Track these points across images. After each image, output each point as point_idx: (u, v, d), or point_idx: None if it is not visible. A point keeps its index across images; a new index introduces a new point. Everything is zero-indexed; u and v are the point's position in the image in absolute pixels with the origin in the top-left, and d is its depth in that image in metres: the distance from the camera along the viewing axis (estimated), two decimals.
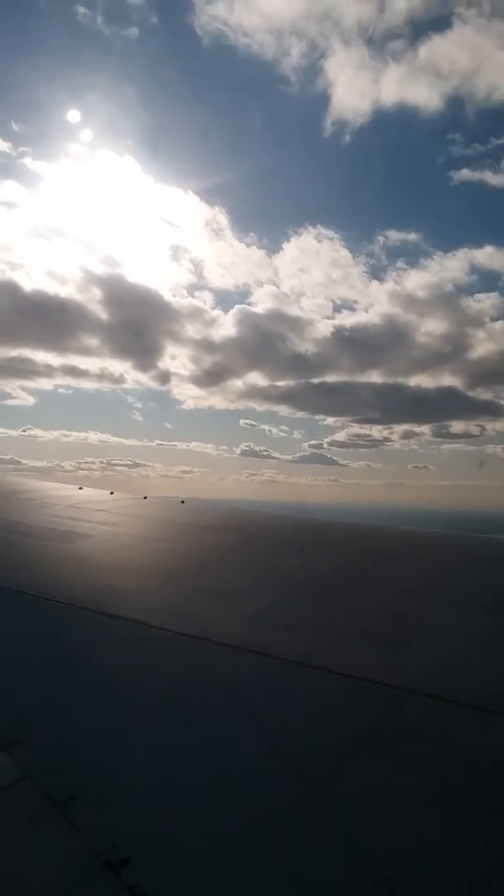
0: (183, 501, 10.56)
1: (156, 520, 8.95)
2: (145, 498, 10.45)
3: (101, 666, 3.42)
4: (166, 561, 6.36)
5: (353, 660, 3.55)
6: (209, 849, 1.99)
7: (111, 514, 8.94)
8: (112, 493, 11.03)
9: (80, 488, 11.66)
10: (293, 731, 2.76)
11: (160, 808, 2.17)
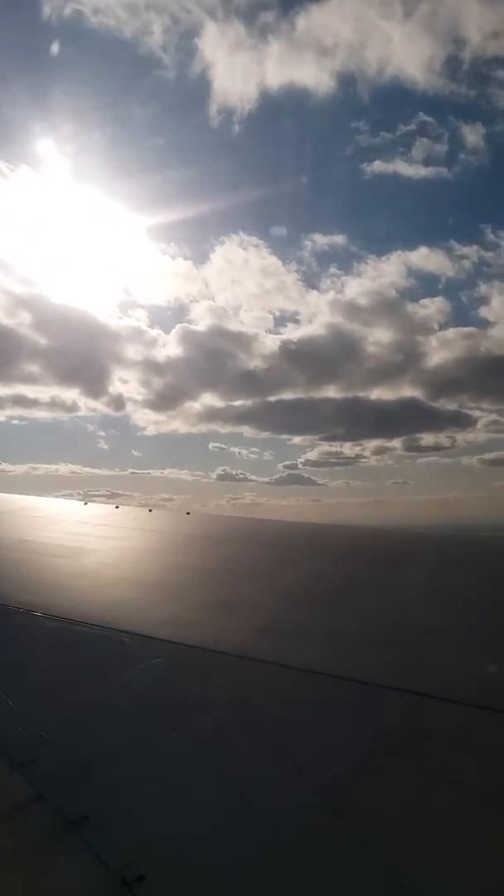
0: (188, 513, 10.60)
1: (164, 532, 8.95)
2: (150, 511, 10.54)
3: (111, 682, 3.42)
4: (177, 573, 6.36)
5: (365, 665, 3.53)
6: (224, 864, 1.97)
7: (119, 529, 8.95)
8: (117, 507, 11.07)
9: (85, 503, 11.70)
10: (306, 740, 2.74)
11: (174, 825, 2.16)
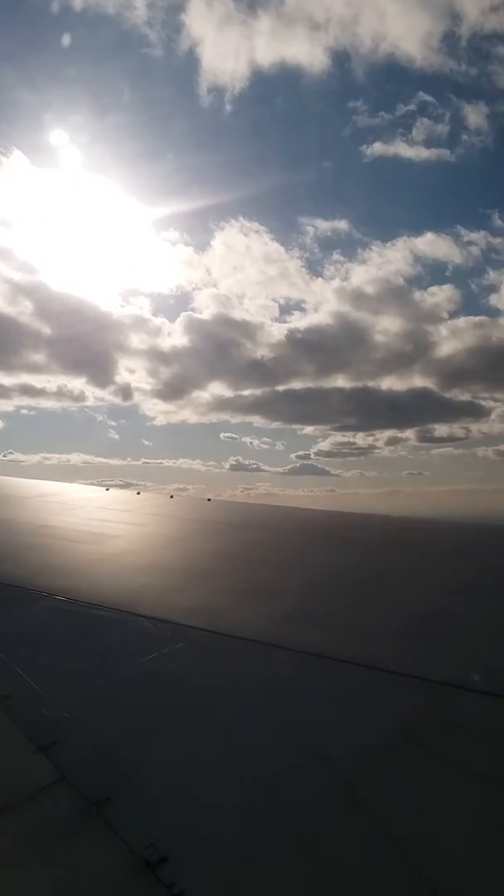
0: (209, 499, 10.62)
1: (185, 518, 8.98)
2: (171, 497, 10.59)
3: (133, 667, 3.44)
4: (198, 559, 6.37)
5: (387, 654, 3.50)
6: (246, 848, 1.97)
7: (141, 515, 9.00)
8: (139, 493, 11.14)
9: (107, 489, 11.80)
10: (328, 728, 2.73)
11: (197, 807, 2.16)
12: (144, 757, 2.51)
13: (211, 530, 8.18)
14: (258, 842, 1.99)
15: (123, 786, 2.28)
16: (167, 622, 4.02)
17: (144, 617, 4.12)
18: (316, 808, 2.15)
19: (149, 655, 3.52)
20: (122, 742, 2.62)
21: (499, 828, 2.08)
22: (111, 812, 2.10)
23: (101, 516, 8.71)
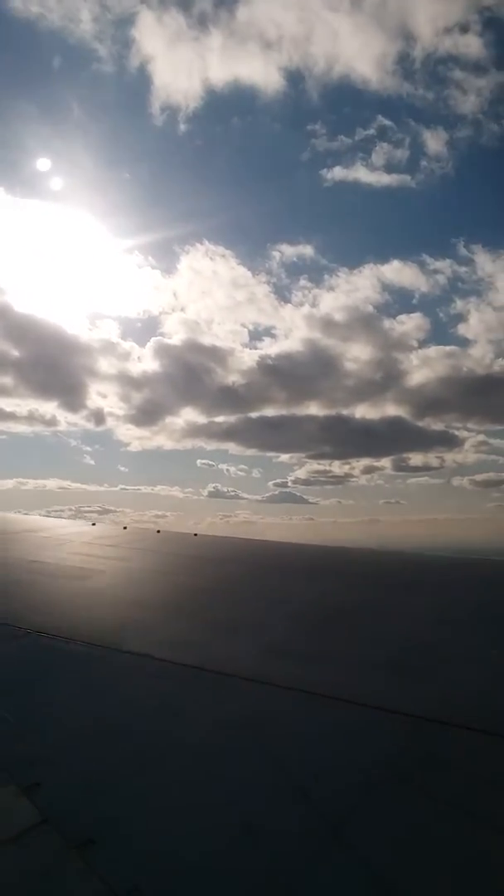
0: (196, 535, 10.63)
1: (171, 553, 8.96)
2: (158, 532, 10.61)
3: (116, 704, 3.42)
4: (183, 594, 6.35)
5: (372, 689, 3.51)
6: (229, 889, 1.96)
7: (127, 550, 8.96)
8: (125, 528, 11.13)
9: (94, 524, 11.77)
10: (311, 764, 2.73)
11: (180, 849, 2.15)
12: (128, 797, 2.48)
13: (196, 566, 8.16)
14: (243, 883, 1.98)
15: (106, 827, 2.26)
16: (152, 658, 4.00)
17: (128, 653, 4.11)
18: (301, 848, 2.14)
19: (134, 693, 3.50)
20: (106, 782, 2.60)
21: (485, 865, 2.09)
22: (94, 854, 2.08)
23: (88, 552, 8.66)
